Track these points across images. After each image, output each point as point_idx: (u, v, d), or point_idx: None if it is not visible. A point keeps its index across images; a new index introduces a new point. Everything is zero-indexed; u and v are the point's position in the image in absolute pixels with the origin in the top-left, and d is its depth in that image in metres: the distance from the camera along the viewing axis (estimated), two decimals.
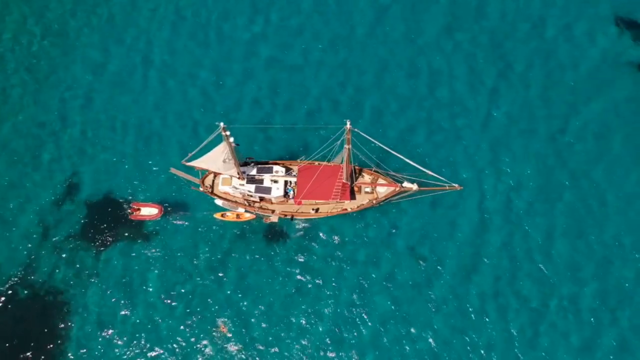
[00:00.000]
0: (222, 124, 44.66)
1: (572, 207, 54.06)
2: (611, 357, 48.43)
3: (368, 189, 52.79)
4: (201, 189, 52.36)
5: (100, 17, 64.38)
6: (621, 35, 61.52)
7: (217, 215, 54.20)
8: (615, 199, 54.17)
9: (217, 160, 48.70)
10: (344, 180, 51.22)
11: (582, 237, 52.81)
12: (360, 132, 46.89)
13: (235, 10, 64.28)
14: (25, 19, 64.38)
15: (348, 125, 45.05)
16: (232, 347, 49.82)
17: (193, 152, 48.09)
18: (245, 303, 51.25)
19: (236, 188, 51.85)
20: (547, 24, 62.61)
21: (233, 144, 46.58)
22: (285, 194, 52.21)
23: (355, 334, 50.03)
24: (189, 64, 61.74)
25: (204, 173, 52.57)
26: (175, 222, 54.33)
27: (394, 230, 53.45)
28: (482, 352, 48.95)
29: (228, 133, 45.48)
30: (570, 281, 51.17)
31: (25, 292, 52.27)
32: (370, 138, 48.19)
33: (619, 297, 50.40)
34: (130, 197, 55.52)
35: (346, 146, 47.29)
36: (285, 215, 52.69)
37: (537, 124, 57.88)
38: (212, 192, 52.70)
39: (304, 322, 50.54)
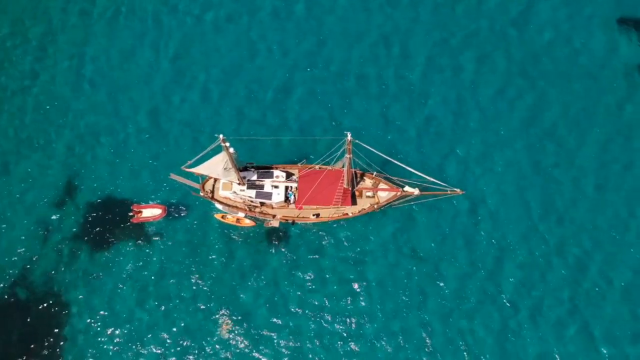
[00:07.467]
0: (221, 136, 44.17)
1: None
2: None
3: (369, 194, 52.47)
4: (201, 194, 52.09)
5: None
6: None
7: (217, 216, 54.12)
8: None
9: (217, 167, 48.26)
10: (345, 187, 50.88)
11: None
12: (361, 143, 46.27)
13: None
14: None
15: (349, 137, 44.53)
16: (233, 344, 50.60)
17: (192, 160, 47.62)
18: (245, 302, 51.71)
19: (237, 193, 51.56)
20: None
21: (233, 154, 46.14)
22: (286, 199, 51.95)
23: (355, 336, 50.68)
24: (196, 67, 60.38)
25: (204, 178, 52.20)
26: (176, 222, 54.30)
27: (394, 233, 53.44)
28: None
29: (228, 144, 44.99)
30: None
31: (26, 293, 52.54)
32: (371, 148, 47.55)
33: None
34: (131, 199, 55.29)
35: (347, 155, 46.86)
36: (287, 220, 52.56)
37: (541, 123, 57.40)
38: (212, 197, 52.44)
39: (310, 322, 51.14)
